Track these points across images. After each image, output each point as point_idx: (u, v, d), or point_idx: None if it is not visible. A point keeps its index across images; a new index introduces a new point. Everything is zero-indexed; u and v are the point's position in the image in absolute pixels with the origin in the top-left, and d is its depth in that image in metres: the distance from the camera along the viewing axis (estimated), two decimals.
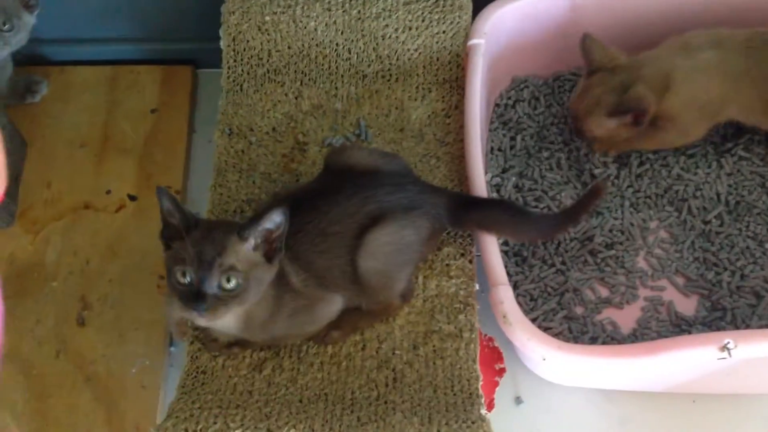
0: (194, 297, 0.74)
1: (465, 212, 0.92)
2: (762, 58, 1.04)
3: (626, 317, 1.05)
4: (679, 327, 1.04)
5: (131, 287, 1.06)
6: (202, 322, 0.77)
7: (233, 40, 1.09)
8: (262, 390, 0.86)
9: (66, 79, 1.24)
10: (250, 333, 0.85)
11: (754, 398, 1.01)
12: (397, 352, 0.90)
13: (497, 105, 1.22)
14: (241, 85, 1.09)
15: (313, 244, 0.85)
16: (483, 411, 0.84)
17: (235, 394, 0.86)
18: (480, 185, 0.96)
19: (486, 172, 1.14)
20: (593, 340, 1.03)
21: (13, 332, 1.02)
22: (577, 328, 1.04)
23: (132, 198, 1.13)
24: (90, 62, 1.26)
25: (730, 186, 1.12)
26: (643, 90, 1.04)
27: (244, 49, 1.09)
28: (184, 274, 0.74)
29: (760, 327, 1.02)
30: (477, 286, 0.94)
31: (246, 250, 0.76)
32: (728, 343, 0.77)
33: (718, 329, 1.02)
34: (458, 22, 1.10)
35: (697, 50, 1.06)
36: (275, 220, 0.77)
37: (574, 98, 1.11)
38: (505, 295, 0.87)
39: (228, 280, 0.74)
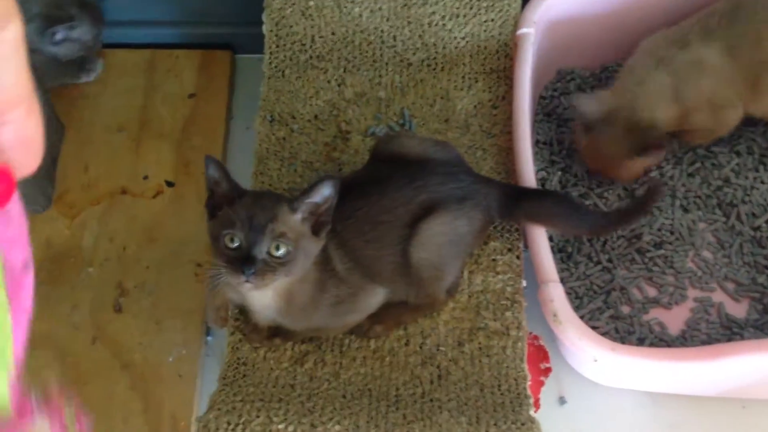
0: (243, 261, 0.72)
1: (516, 204, 0.89)
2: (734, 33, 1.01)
3: (674, 318, 1.02)
4: (729, 330, 1.01)
5: (168, 275, 1.04)
6: (248, 287, 0.75)
7: (276, 25, 1.07)
8: (304, 384, 0.84)
9: (104, 62, 1.22)
10: (290, 318, 0.83)
11: None
12: (441, 348, 0.88)
13: (542, 97, 1.19)
14: (283, 72, 1.06)
15: (362, 233, 0.83)
16: (532, 412, 0.81)
17: (277, 387, 0.84)
18: (530, 179, 0.93)
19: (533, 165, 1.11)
20: (640, 341, 1.00)
21: (49, 318, 1.01)
22: (624, 328, 1.01)
23: (169, 184, 1.12)
24: (128, 45, 1.24)
25: None
26: (655, 117, 1.01)
27: (287, 35, 1.07)
28: (232, 239, 0.74)
29: None
30: (524, 283, 0.92)
31: (295, 220, 0.76)
32: None
33: None
34: (507, 11, 1.07)
35: (681, 49, 1.03)
36: (324, 193, 0.76)
37: (588, 157, 1.08)
38: (555, 293, 0.85)
39: (278, 247, 0.73)
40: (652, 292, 1.03)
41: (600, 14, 1.12)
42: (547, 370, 0.98)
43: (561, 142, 1.15)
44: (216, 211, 0.78)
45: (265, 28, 1.08)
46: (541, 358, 0.99)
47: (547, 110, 1.18)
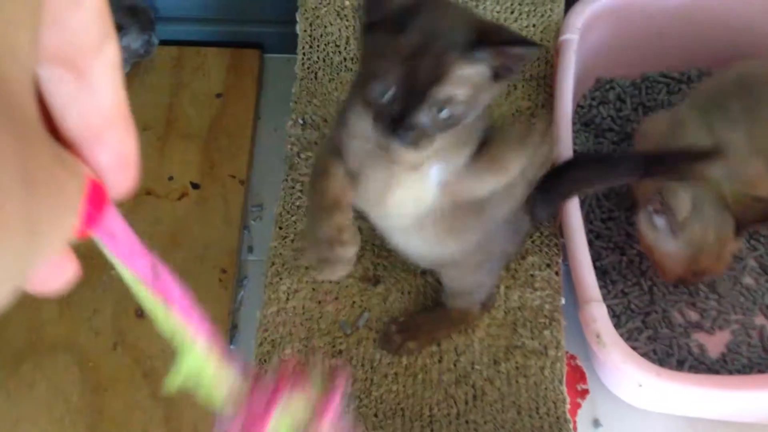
0: (395, 124, 0.58)
1: (548, 194, 0.83)
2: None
3: (715, 341, 0.98)
4: None
5: (192, 280, 0.99)
6: (398, 151, 0.63)
7: (310, 25, 1.04)
8: None
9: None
10: (450, 227, 0.72)
11: None
12: (476, 366, 0.85)
13: (580, 106, 1.15)
14: (316, 73, 1.03)
15: None
16: None
17: None
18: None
19: None
20: (680, 363, 0.96)
21: (69, 321, 0.98)
22: (663, 350, 0.97)
23: (195, 186, 1.09)
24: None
25: None
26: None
27: (321, 35, 1.04)
28: (383, 93, 0.58)
29: None
30: (563, 301, 0.88)
31: (472, 71, 0.59)
32: None
33: None
34: (549, 16, 1.03)
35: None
36: (521, 52, 0.59)
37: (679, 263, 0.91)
38: (598, 313, 0.81)
39: (442, 110, 0.59)
40: (693, 316, 0.99)
41: (641, 22, 1.09)
42: (584, 392, 0.94)
43: (599, 152, 1.11)
44: (373, 28, 0.60)
45: (298, 28, 1.04)
46: (578, 378, 0.95)
47: (584, 120, 1.14)
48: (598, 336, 0.80)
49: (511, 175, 0.69)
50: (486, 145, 0.69)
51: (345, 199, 0.68)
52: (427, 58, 0.57)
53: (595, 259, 1.03)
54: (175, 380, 0.36)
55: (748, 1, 1.07)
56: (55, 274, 0.30)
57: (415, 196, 0.69)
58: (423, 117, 0.58)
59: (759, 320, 0.99)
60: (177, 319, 0.37)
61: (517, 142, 0.69)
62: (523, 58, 0.60)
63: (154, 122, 1.13)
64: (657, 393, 0.81)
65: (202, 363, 0.37)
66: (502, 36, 0.60)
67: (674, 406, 0.92)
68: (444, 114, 0.59)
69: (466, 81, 0.59)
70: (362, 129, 0.66)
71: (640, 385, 0.78)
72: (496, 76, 0.61)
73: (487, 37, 0.59)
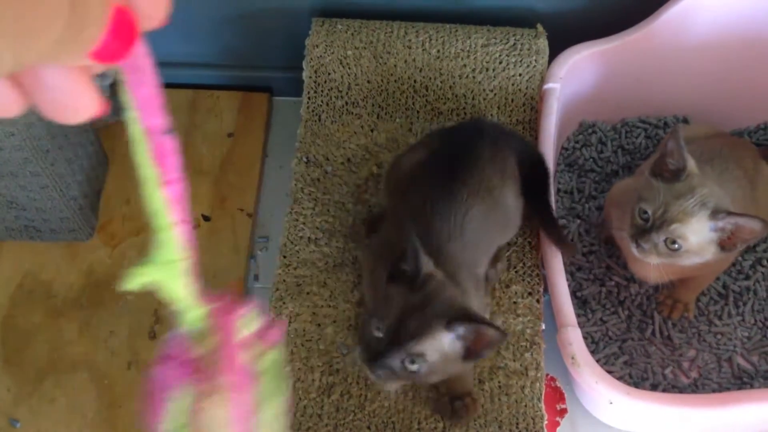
0: (374, 355, 0.71)
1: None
2: None
3: (687, 366, 1.05)
4: (740, 379, 1.04)
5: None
6: (380, 383, 0.78)
7: (315, 72, 1.13)
8: (331, 414, 0.89)
9: None
10: None
11: None
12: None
13: (564, 148, 1.24)
14: (320, 116, 1.12)
15: None
16: None
17: (305, 416, 0.88)
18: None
19: None
20: (654, 387, 1.03)
21: (88, 341, 1.06)
22: (638, 374, 1.04)
23: (206, 218, 1.17)
24: (172, 85, 1.31)
25: None
26: None
27: (325, 81, 1.13)
28: (376, 329, 0.73)
29: None
30: (543, 326, 0.96)
31: (447, 340, 0.72)
32: None
33: None
34: (535, 66, 1.13)
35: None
36: (492, 335, 0.71)
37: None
38: (573, 337, 0.89)
39: (412, 362, 0.71)
40: (667, 349, 1.06)
41: (621, 71, 1.18)
42: (563, 411, 1.02)
43: (581, 191, 1.19)
44: (395, 276, 0.75)
45: (304, 74, 1.14)
46: (558, 399, 1.02)
47: (568, 161, 1.23)
48: (573, 357, 0.87)
49: None
50: None
51: None
52: (418, 317, 0.71)
53: (577, 289, 1.11)
54: (142, 273, 0.36)
55: (723, 51, 1.16)
56: (73, 101, 0.30)
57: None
58: (395, 361, 0.71)
59: (730, 348, 1.06)
60: (164, 201, 0.35)
61: None
62: (492, 343, 0.73)
63: None
64: (628, 411, 0.88)
65: (172, 261, 0.36)
66: (479, 318, 0.73)
67: (646, 424, 0.99)
68: (412, 367, 0.71)
69: (439, 346, 0.72)
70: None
71: (611, 403, 0.86)
72: (467, 356, 0.74)
73: (468, 317, 0.72)
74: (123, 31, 0.28)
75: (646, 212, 0.90)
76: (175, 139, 0.34)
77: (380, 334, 0.72)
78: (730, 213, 0.87)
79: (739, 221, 0.86)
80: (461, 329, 0.71)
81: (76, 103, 0.30)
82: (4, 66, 0.25)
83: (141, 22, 0.29)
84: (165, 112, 0.34)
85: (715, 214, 0.87)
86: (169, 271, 0.37)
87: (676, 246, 0.88)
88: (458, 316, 0.72)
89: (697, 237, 0.88)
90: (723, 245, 0.89)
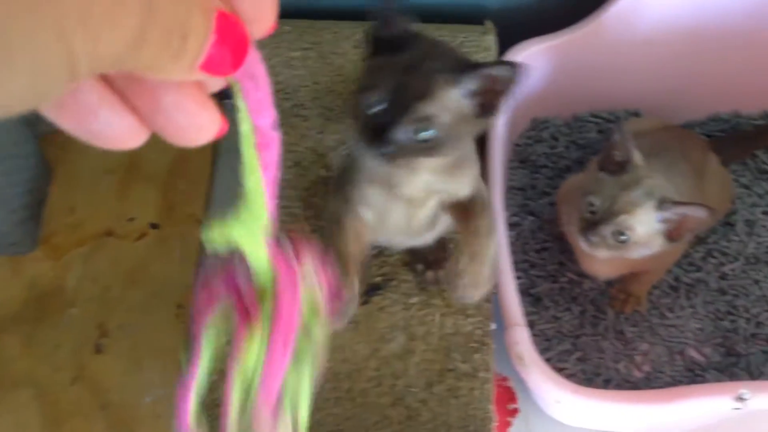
0: (376, 135, 0.62)
1: None
2: None
3: (640, 360, 1.05)
4: (692, 372, 1.04)
5: (150, 316, 1.07)
6: (381, 162, 0.65)
7: None
8: None
9: None
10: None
11: None
12: (412, 389, 0.91)
13: (517, 145, 1.23)
14: None
15: None
16: None
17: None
18: (498, 218, 0.97)
19: (504, 211, 1.15)
20: (606, 383, 1.03)
21: (31, 357, 1.03)
22: (591, 370, 1.04)
23: (154, 226, 1.15)
24: None
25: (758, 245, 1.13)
26: None
27: (272, 84, 1.11)
28: (372, 105, 0.62)
29: None
30: (493, 326, 0.95)
31: (456, 96, 0.62)
32: (743, 393, 0.77)
33: (732, 375, 1.03)
34: None
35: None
36: (504, 73, 0.61)
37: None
38: (520, 337, 0.88)
39: (421, 131, 0.62)
40: (620, 346, 1.06)
41: (571, 66, 1.17)
42: (514, 411, 1.01)
43: (534, 187, 1.19)
44: (376, 50, 0.65)
45: None
46: (509, 399, 1.01)
47: (521, 157, 1.22)
48: (520, 357, 0.86)
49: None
50: None
51: (355, 258, 0.77)
52: (417, 76, 0.61)
53: (530, 287, 1.10)
54: (227, 227, 0.36)
55: (673, 44, 1.16)
56: (193, 121, 0.29)
57: (427, 216, 0.78)
58: (403, 132, 0.61)
59: (682, 340, 1.06)
60: (261, 183, 0.36)
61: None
62: (509, 82, 0.61)
63: (116, 167, 1.20)
64: (576, 409, 0.88)
65: (258, 219, 0.36)
66: (486, 63, 0.64)
67: (598, 421, 0.98)
68: (423, 135, 0.62)
69: (449, 105, 0.62)
70: (380, 174, 0.71)
71: (558, 402, 0.85)
72: (482, 112, 0.64)
73: (473, 65, 0.63)
74: (232, 38, 0.27)
75: (593, 205, 0.90)
76: (278, 134, 0.35)
77: (377, 108, 0.62)
78: (676, 203, 0.87)
79: (685, 210, 0.86)
80: (470, 81, 0.62)
81: (196, 122, 0.30)
82: (79, 59, 0.23)
83: (249, 27, 0.29)
84: (274, 109, 0.34)
85: (662, 204, 0.87)
86: (253, 229, 0.37)
87: (624, 237, 0.87)
88: (464, 67, 0.62)
89: (644, 228, 0.88)
90: (670, 236, 0.89)
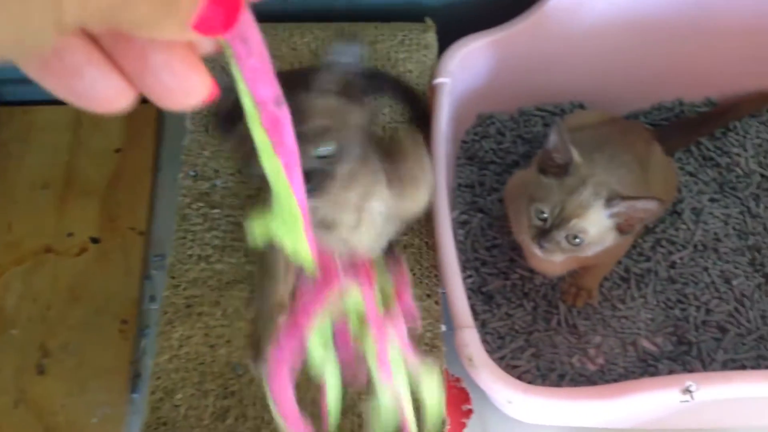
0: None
1: None
2: None
3: (593, 353, 1.05)
4: (645, 362, 1.04)
5: (93, 333, 1.04)
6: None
7: None
8: None
9: (29, 120, 1.22)
10: None
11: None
12: (363, 396, 0.89)
13: (464, 141, 1.23)
14: (206, 127, 1.08)
15: None
16: None
17: None
18: (444, 219, 0.95)
19: (453, 209, 1.14)
20: (561, 378, 1.02)
21: None
22: (545, 366, 1.03)
23: (94, 241, 1.12)
24: (53, 102, 1.24)
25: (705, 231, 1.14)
26: None
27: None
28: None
29: (725, 360, 1.03)
30: (443, 327, 0.94)
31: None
32: (690, 385, 0.77)
33: (684, 364, 1.03)
34: (425, 61, 1.10)
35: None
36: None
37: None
38: (470, 338, 0.87)
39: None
40: (573, 340, 1.06)
41: (513, 61, 1.16)
42: (469, 412, 1.00)
43: (482, 184, 1.18)
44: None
45: None
46: (463, 400, 1.00)
47: (468, 154, 1.21)
48: (470, 359, 0.85)
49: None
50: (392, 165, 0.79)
51: (287, 302, 0.79)
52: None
53: (481, 285, 1.09)
54: (263, 227, 0.36)
55: (615, 34, 1.16)
56: (182, 83, 0.29)
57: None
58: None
59: (634, 331, 1.06)
60: (280, 166, 0.34)
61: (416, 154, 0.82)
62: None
63: (53, 181, 1.16)
64: (529, 407, 0.87)
65: (293, 219, 0.35)
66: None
67: (554, 417, 0.98)
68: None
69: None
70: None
71: (510, 402, 0.84)
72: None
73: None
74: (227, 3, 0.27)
75: (543, 212, 0.89)
76: (287, 110, 0.34)
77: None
78: (624, 198, 0.87)
79: (634, 204, 0.86)
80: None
81: (185, 84, 0.29)
82: (66, 9, 0.23)
83: None
84: (275, 82, 0.33)
85: (610, 201, 0.87)
86: (292, 226, 0.36)
87: (578, 240, 0.88)
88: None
89: (597, 227, 0.88)
90: (621, 229, 0.89)
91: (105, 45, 0.28)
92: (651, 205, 0.86)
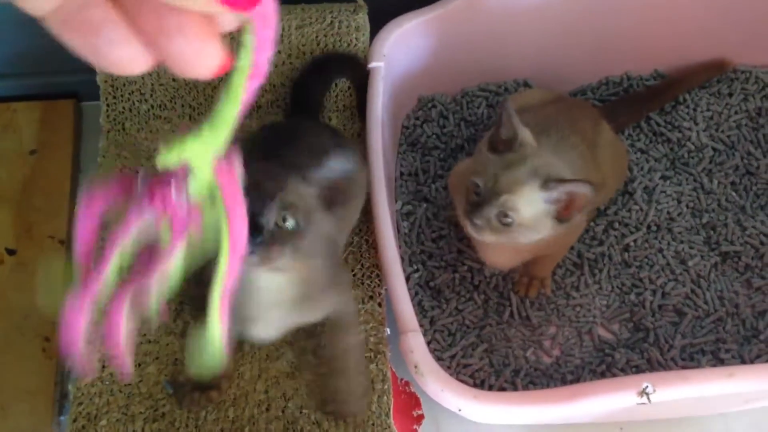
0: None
1: None
2: None
3: (549, 345, 1.01)
4: (602, 351, 1.00)
5: (12, 353, 0.96)
6: (253, 262, 0.63)
7: (110, 75, 1.00)
8: None
9: None
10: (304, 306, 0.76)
11: (681, 420, 0.98)
12: (304, 411, 0.83)
13: (405, 127, 1.16)
14: (123, 124, 1.00)
15: None
16: None
17: None
18: (384, 214, 0.89)
19: (396, 200, 1.08)
20: (515, 373, 0.98)
21: None
22: (499, 361, 0.99)
23: (10, 252, 1.03)
24: None
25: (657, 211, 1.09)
26: None
27: (124, 85, 1.00)
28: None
29: (683, 345, 0.99)
30: (388, 331, 0.88)
31: (307, 192, 0.68)
32: (646, 387, 0.73)
33: (642, 351, 0.99)
34: (356, 44, 1.03)
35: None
36: (342, 167, 0.74)
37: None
38: (415, 343, 0.81)
39: (285, 219, 0.63)
40: (527, 333, 1.01)
41: (452, 40, 1.10)
42: (420, 417, 0.95)
43: (426, 171, 1.12)
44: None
45: (98, 79, 1.01)
46: (413, 405, 0.95)
47: (410, 140, 1.15)
48: (416, 366, 0.80)
49: None
50: None
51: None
52: (272, 175, 0.65)
53: (429, 279, 1.04)
54: (184, 148, 0.37)
55: (556, 9, 1.10)
56: (195, 49, 0.31)
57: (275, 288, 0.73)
58: (272, 219, 0.63)
59: (590, 321, 1.02)
60: (234, 119, 0.36)
61: None
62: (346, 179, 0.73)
63: None
64: (479, 414, 0.82)
65: (219, 135, 0.37)
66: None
67: (508, 418, 0.93)
68: (289, 223, 0.64)
69: (303, 195, 0.67)
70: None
71: (460, 410, 0.79)
72: (328, 206, 0.70)
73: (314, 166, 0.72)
74: None
75: (478, 185, 0.83)
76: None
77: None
78: (561, 181, 0.81)
79: (570, 188, 0.81)
80: (317, 178, 0.69)
81: (201, 53, 0.31)
82: None
83: None
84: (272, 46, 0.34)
85: (547, 183, 0.81)
86: (208, 148, 0.37)
87: (509, 220, 0.81)
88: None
89: (530, 209, 0.82)
90: (559, 218, 0.83)
91: (126, 6, 0.29)
92: (585, 189, 0.81)
